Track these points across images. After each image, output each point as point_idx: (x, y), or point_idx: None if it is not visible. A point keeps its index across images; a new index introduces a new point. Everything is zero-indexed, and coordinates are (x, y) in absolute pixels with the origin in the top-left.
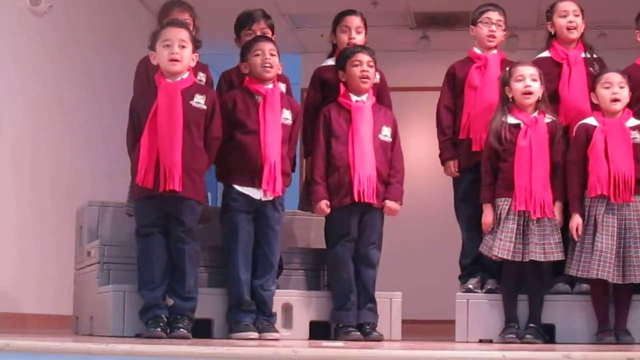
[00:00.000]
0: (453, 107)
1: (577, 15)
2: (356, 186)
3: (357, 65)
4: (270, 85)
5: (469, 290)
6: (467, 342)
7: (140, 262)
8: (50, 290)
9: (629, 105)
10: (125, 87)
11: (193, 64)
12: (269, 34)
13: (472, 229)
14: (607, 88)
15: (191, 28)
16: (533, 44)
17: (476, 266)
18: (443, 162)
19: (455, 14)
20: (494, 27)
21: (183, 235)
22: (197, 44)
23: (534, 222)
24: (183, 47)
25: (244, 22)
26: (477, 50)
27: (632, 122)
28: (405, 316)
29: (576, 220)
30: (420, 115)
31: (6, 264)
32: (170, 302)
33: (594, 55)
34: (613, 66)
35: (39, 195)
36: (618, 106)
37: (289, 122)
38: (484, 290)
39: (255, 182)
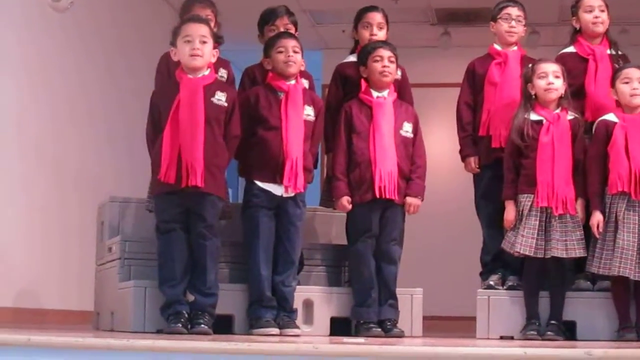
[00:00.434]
0: (473, 103)
1: (602, 11)
2: (377, 182)
3: (378, 61)
4: (292, 82)
5: (490, 287)
6: (488, 338)
7: (161, 259)
8: (73, 286)
9: None
10: (147, 83)
11: (214, 59)
12: (292, 31)
13: (493, 226)
14: (626, 83)
15: (213, 24)
16: (554, 40)
17: (497, 263)
18: (463, 159)
19: (476, 10)
20: (513, 23)
21: (204, 231)
22: (218, 40)
23: (556, 218)
24: (204, 42)
25: (267, 18)
26: (497, 47)
27: None
28: (426, 312)
29: (597, 218)
30: (441, 111)
31: (30, 260)
32: (191, 298)
33: (619, 52)
34: (635, 62)
35: (63, 190)
36: (638, 100)
37: (311, 118)
38: (505, 287)
39: (277, 179)
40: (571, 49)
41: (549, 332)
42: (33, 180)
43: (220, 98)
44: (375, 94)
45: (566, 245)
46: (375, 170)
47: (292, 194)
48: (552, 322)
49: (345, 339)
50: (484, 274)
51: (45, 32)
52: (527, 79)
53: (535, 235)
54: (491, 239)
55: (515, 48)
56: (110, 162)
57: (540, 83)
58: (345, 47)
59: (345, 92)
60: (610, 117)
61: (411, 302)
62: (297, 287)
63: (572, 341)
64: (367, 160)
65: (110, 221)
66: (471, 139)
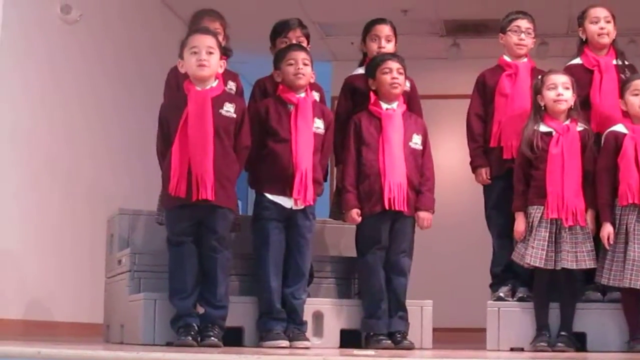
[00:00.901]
0: (483, 114)
1: (608, 22)
2: (387, 194)
3: (386, 73)
4: (302, 94)
5: (500, 299)
6: (499, 350)
7: (171, 271)
8: (84, 299)
9: None
10: (161, 96)
11: (221, 70)
12: (304, 43)
13: (504, 237)
14: (636, 95)
15: (221, 37)
16: (563, 52)
17: (507, 274)
18: (474, 170)
19: (485, 21)
20: (523, 36)
21: (216, 243)
22: (227, 53)
23: (566, 229)
24: (210, 53)
25: (279, 30)
26: (507, 58)
27: None
28: (436, 324)
29: (607, 229)
30: (451, 122)
31: (42, 272)
32: (201, 310)
33: (626, 62)
34: None
35: (75, 202)
36: None
37: (321, 130)
38: (515, 299)
39: (287, 191)
40: (577, 60)
41: (559, 344)
42: (45, 192)
43: (228, 109)
44: (384, 105)
45: (576, 256)
46: (385, 182)
47: (302, 207)
48: (563, 333)
49: (356, 352)
50: (494, 286)
51: (58, 44)
52: (537, 90)
53: (546, 247)
54: (501, 250)
55: (525, 60)
56: (124, 175)
57: (550, 94)
58: (355, 59)
59: (354, 103)
60: (620, 128)
61: (421, 314)
62: (307, 299)
63: (583, 353)
64: (377, 172)
65: (120, 234)
66: (482, 149)
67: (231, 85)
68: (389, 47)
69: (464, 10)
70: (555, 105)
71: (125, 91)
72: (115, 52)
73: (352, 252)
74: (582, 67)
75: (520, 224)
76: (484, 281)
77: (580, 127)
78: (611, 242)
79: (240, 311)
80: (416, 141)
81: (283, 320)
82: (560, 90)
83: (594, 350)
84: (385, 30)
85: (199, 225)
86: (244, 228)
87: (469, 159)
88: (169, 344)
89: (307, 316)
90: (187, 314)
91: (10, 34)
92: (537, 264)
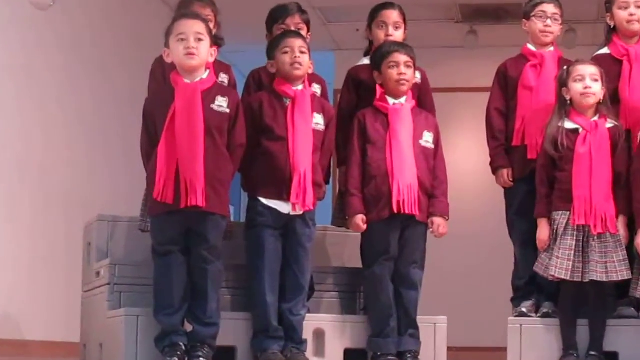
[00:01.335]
0: (505, 109)
1: (638, 7)
2: (395, 196)
3: (393, 67)
4: (300, 87)
5: (522, 314)
6: None
7: (157, 284)
8: (59, 315)
9: None
10: (145, 90)
11: (212, 59)
12: (304, 31)
13: (527, 246)
14: None
15: (212, 25)
16: (593, 39)
17: (531, 287)
18: (494, 171)
19: (505, 5)
20: (549, 22)
21: (207, 254)
22: (218, 42)
23: (595, 238)
24: (199, 40)
25: (277, 16)
26: (531, 47)
27: None
28: (451, 343)
29: None
30: (468, 118)
31: (13, 285)
32: (189, 327)
33: None
34: None
35: (48, 207)
36: None
37: (321, 127)
38: (539, 315)
39: (284, 195)
40: (605, 50)
41: None
42: (15, 196)
43: (221, 104)
44: (391, 100)
45: (606, 267)
46: (393, 184)
47: (301, 212)
48: (592, 353)
49: None
50: (516, 300)
51: (30, 33)
52: (562, 82)
53: (572, 257)
54: (524, 261)
55: (552, 48)
56: (103, 178)
57: (577, 87)
58: (359, 47)
59: (359, 97)
60: None
61: (434, 331)
62: (307, 315)
63: None
64: (384, 173)
65: (98, 242)
66: (503, 148)
67: (223, 78)
68: (398, 35)
69: None
70: (583, 99)
71: (106, 83)
72: (95, 40)
73: (357, 263)
74: (611, 57)
75: (543, 232)
76: (505, 295)
77: (610, 123)
78: None
79: (232, 329)
80: (427, 139)
81: (280, 338)
82: (588, 83)
83: None
84: (393, 16)
85: (187, 233)
86: (236, 236)
87: (488, 159)
88: None
89: (307, 334)
90: (173, 332)
91: None
92: (562, 276)
